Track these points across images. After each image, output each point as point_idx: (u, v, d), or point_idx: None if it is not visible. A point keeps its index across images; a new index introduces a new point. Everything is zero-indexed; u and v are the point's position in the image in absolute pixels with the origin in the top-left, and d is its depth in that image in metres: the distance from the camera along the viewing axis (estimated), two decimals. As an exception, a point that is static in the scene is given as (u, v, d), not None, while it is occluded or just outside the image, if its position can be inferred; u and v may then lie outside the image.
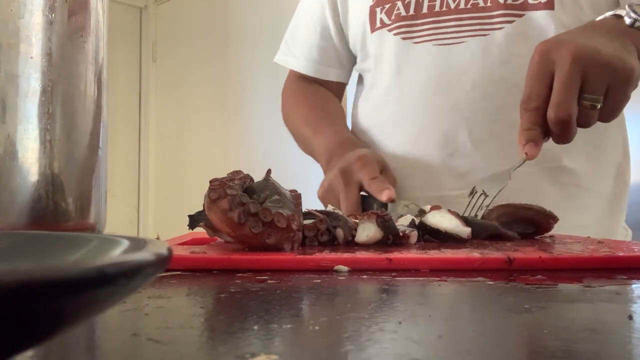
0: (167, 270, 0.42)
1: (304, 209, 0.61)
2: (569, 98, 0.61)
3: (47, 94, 0.44)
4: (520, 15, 0.86)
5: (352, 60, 1.06)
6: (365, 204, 0.81)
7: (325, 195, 0.86)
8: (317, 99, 1.07)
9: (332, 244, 0.56)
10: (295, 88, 1.11)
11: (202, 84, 3.12)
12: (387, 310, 0.30)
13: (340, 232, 0.56)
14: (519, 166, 0.70)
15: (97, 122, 0.49)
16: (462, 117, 0.88)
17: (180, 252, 0.47)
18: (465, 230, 0.58)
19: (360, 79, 1.06)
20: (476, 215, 0.68)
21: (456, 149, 0.89)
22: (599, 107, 0.63)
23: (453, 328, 0.26)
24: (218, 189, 0.47)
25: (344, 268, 0.42)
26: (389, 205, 0.75)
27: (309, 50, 1.07)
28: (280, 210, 0.48)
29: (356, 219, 0.58)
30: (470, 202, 0.72)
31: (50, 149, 0.44)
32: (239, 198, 0.47)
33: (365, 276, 0.40)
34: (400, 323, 0.26)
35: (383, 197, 0.75)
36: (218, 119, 3.04)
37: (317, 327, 0.25)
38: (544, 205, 0.65)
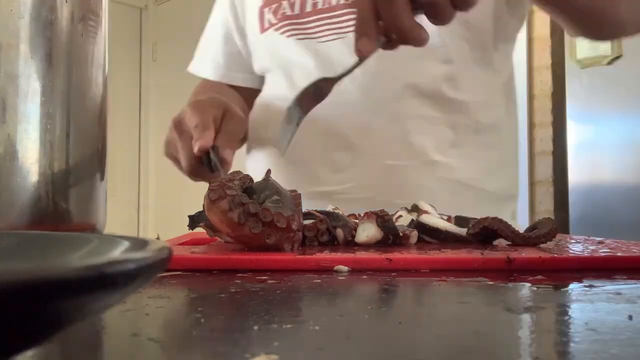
0: (167, 270, 0.42)
1: (304, 209, 0.60)
2: (398, 15, 0.57)
3: (47, 94, 0.44)
4: None
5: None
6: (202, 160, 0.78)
7: (166, 150, 0.84)
8: (220, 87, 1.05)
9: (332, 244, 0.56)
10: (197, 91, 1.09)
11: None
12: (387, 311, 0.30)
13: (340, 233, 0.56)
14: (353, 68, 0.64)
15: (97, 122, 0.49)
16: (341, 111, 0.87)
17: (180, 252, 0.47)
18: (463, 229, 0.58)
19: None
20: None
21: (335, 143, 0.88)
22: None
23: (453, 328, 0.26)
24: (218, 189, 0.47)
25: (344, 268, 0.42)
26: (211, 155, 0.74)
27: (215, 57, 1.06)
28: (280, 211, 0.48)
29: (356, 219, 0.58)
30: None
31: (50, 149, 0.44)
32: (238, 198, 0.47)
33: (365, 276, 0.40)
34: (400, 323, 0.26)
35: (194, 148, 0.74)
36: (218, 119, 3.04)
37: (317, 327, 0.25)
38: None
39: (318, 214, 0.57)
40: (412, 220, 0.61)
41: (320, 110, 0.86)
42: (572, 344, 0.23)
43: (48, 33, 0.44)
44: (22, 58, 0.43)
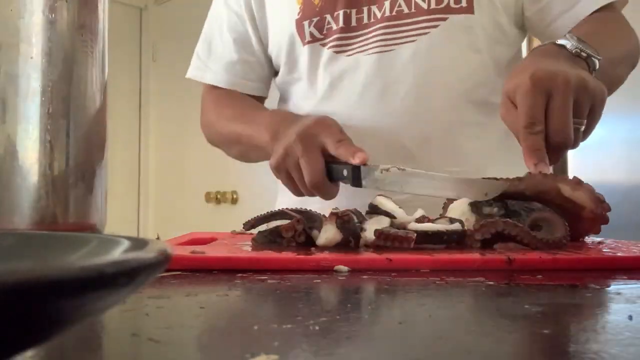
0: (167, 270, 0.42)
1: (277, 208, 0.60)
2: (568, 124, 0.66)
3: (47, 94, 0.44)
4: (444, 19, 0.90)
5: (271, 73, 1.05)
6: (332, 171, 0.76)
7: (281, 163, 0.80)
8: (240, 100, 1.03)
9: (309, 244, 0.54)
10: (211, 98, 1.07)
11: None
12: (387, 311, 0.30)
13: (316, 233, 0.54)
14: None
15: (97, 122, 0.49)
16: (400, 124, 0.90)
17: (180, 252, 0.47)
18: (457, 225, 0.56)
19: (283, 92, 1.04)
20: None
21: (398, 154, 0.90)
22: (582, 128, 0.68)
23: (453, 328, 0.26)
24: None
25: (344, 268, 0.42)
26: (362, 169, 0.71)
27: (228, 64, 1.04)
28: None
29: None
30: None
31: (50, 149, 0.44)
32: None
33: (365, 276, 0.40)
34: (400, 323, 0.26)
35: (356, 159, 0.72)
36: (218, 119, 3.04)
37: (317, 327, 0.25)
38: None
39: (294, 214, 0.56)
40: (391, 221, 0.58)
41: (381, 121, 0.89)
42: (572, 344, 0.23)
43: (48, 33, 0.44)
44: (22, 58, 0.43)
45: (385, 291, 0.35)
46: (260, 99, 1.06)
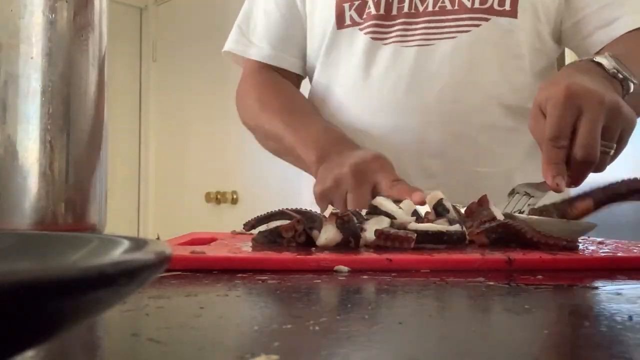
0: (167, 271, 0.42)
1: (277, 209, 0.60)
2: (596, 142, 0.65)
3: (47, 94, 0.44)
4: (487, 19, 0.89)
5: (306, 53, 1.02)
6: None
7: (328, 192, 0.78)
8: (286, 92, 1.00)
9: (310, 245, 0.54)
10: (256, 81, 1.02)
11: (202, 84, 3.12)
12: (387, 311, 0.30)
13: (316, 233, 0.54)
14: (541, 197, 0.72)
15: (97, 122, 0.49)
16: (432, 119, 0.89)
17: (180, 252, 0.47)
18: (457, 226, 0.55)
19: (311, 76, 1.02)
20: (521, 212, 0.67)
21: (427, 149, 0.90)
22: (611, 153, 0.67)
23: (453, 328, 0.26)
24: None
25: (344, 268, 0.42)
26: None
27: (272, 38, 1.00)
28: None
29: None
30: (510, 201, 0.71)
31: (50, 149, 0.44)
32: None
33: (365, 276, 0.40)
34: (400, 323, 0.26)
35: (415, 198, 0.68)
36: (218, 119, 3.04)
37: (317, 328, 0.25)
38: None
39: (294, 215, 0.56)
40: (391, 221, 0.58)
41: (413, 115, 0.89)
42: (572, 344, 0.23)
43: (48, 33, 0.44)
44: (22, 58, 0.43)
45: (385, 291, 0.35)
46: (300, 79, 1.03)
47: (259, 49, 1.01)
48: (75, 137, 0.46)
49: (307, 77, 1.04)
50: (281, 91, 1.00)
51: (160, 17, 3.47)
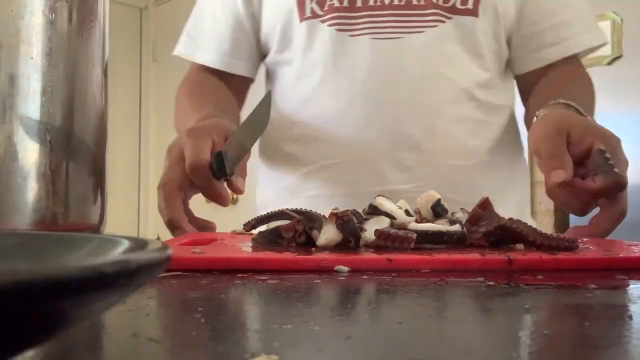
0: (167, 271, 0.42)
1: (278, 209, 0.60)
2: (616, 162, 0.67)
3: (47, 94, 0.44)
4: (450, 17, 0.91)
5: (261, 54, 1.02)
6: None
7: (170, 151, 0.77)
8: (214, 92, 0.99)
9: (310, 245, 0.54)
10: (194, 78, 1.03)
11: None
12: (387, 311, 0.30)
13: (316, 234, 0.54)
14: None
15: (97, 122, 0.49)
16: (406, 111, 0.90)
17: (180, 252, 0.47)
18: (457, 226, 0.55)
19: (272, 73, 1.01)
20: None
21: (401, 142, 0.90)
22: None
23: (453, 328, 0.26)
24: None
25: (344, 268, 0.42)
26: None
27: (218, 42, 1.00)
28: None
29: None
30: None
31: (50, 149, 0.44)
32: None
33: (365, 276, 0.40)
34: (400, 323, 0.26)
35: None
36: (218, 119, 3.04)
37: (317, 327, 0.25)
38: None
39: (294, 215, 0.56)
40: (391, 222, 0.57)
41: (386, 110, 0.89)
42: (572, 345, 0.23)
43: (48, 33, 0.44)
44: (22, 58, 0.43)
45: (385, 291, 0.35)
46: (247, 81, 1.03)
47: (205, 54, 1.02)
48: (75, 137, 0.46)
49: (269, 73, 1.03)
50: (207, 90, 1.00)
51: (160, 17, 3.47)
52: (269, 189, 1.02)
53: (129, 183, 3.46)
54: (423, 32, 0.90)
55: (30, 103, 0.43)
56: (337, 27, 0.91)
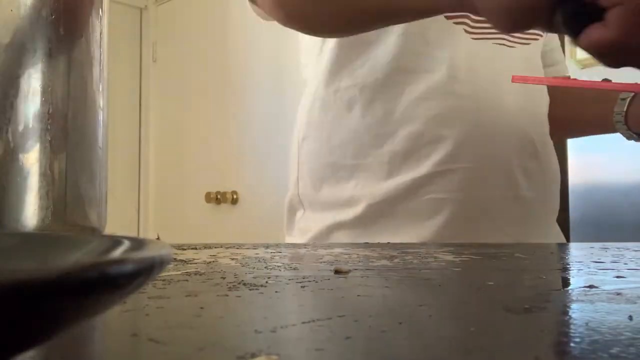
0: (168, 271, 0.42)
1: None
2: None
3: (47, 94, 0.44)
4: (536, 39, 0.99)
5: None
6: None
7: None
8: None
9: None
10: None
11: (202, 84, 3.12)
12: (387, 311, 0.30)
13: None
14: None
15: (97, 122, 0.49)
16: (524, 118, 0.95)
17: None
18: None
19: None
20: None
21: (526, 149, 0.94)
22: None
23: (453, 328, 0.26)
24: None
25: (345, 268, 0.42)
26: None
27: None
28: None
29: None
30: None
31: (50, 149, 0.44)
32: None
33: (365, 276, 0.40)
34: (400, 323, 0.26)
35: None
36: (218, 119, 3.04)
37: (317, 327, 0.25)
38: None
39: None
40: None
41: (513, 117, 0.92)
42: (572, 344, 0.23)
43: (48, 33, 0.44)
44: (22, 58, 0.43)
45: (386, 291, 0.35)
46: None
47: None
48: (75, 137, 0.46)
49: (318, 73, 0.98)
50: None
51: (160, 17, 3.47)
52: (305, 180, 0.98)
53: (129, 183, 3.46)
54: (529, 44, 0.97)
55: (30, 103, 0.43)
56: (464, 26, 0.91)
